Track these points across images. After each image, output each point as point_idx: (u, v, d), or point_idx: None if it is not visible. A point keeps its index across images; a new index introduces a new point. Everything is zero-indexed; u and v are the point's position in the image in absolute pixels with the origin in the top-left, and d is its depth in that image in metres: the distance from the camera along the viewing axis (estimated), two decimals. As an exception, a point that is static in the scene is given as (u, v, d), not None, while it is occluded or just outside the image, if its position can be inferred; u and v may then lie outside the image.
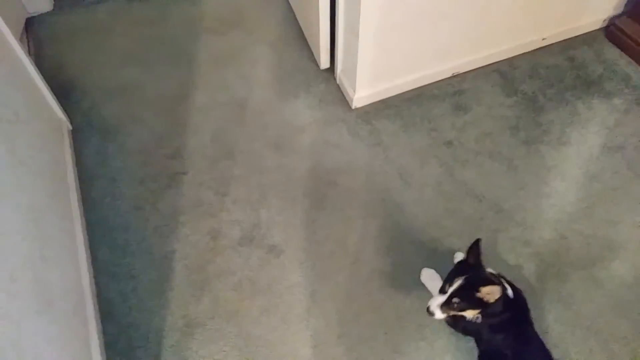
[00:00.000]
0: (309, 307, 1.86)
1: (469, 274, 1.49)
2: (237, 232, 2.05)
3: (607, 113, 2.38)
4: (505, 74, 2.56)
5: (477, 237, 1.55)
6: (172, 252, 2.00)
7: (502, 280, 1.58)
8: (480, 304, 1.47)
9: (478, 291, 1.44)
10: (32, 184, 1.73)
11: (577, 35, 2.70)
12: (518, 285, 1.87)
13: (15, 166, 1.64)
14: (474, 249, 1.53)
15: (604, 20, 2.70)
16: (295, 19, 2.84)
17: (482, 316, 1.53)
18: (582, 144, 2.28)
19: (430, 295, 1.82)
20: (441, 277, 1.84)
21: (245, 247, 2.01)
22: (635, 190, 2.13)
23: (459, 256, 1.89)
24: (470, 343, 1.74)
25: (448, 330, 1.78)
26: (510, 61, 2.61)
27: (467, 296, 1.47)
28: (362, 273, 1.94)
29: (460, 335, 1.76)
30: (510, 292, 1.55)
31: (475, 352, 1.71)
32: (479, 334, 1.66)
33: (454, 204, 2.10)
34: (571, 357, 1.73)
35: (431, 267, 1.89)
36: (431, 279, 1.85)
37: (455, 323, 1.69)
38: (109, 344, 1.79)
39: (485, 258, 1.89)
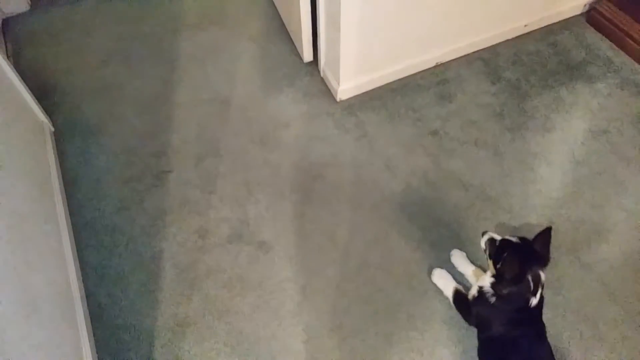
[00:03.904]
0: (299, 302, 1.86)
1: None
2: (225, 230, 2.03)
3: (591, 97, 2.40)
4: (488, 62, 2.56)
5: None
6: (160, 252, 1.98)
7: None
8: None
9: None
10: (14, 187, 1.71)
11: (559, 21, 2.71)
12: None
13: (-5, 171, 1.62)
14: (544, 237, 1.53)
15: (585, 5, 2.70)
16: (277, 12, 2.82)
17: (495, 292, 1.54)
18: (566, 129, 2.29)
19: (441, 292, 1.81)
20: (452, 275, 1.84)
21: (234, 244, 2.00)
22: (621, 174, 2.14)
23: (457, 253, 1.89)
24: (461, 332, 1.75)
25: (439, 319, 1.78)
26: (493, 49, 2.61)
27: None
28: (352, 265, 1.94)
29: (451, 324, 1.77)
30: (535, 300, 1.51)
31: (466, 342, 1.72)
32: (488, 323, 1.61)
33: (441, 193, 2.10)
34: (562, 341, 1.75)
35: (418, 257, 1.89)
36: (441, 277, 1.84)
37: (469, 307, 1.67)
38: (100, 347, 1.78)
39: (475, 247, 1.91)
